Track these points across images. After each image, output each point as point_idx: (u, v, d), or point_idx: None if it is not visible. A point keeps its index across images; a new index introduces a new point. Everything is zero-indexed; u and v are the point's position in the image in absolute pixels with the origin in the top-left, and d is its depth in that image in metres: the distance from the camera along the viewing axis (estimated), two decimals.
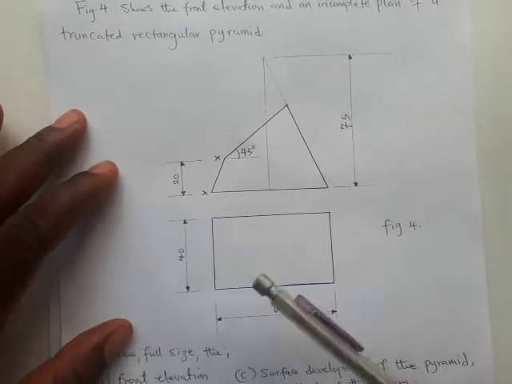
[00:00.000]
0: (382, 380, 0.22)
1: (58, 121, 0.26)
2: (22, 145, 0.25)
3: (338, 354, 0.22)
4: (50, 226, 0.23)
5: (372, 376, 0.22)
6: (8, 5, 0.27)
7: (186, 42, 0.27)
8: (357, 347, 0.22)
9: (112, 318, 0.26)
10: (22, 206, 0.24)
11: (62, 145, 0.25)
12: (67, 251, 0.26)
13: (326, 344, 0.22)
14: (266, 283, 0.22)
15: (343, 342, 0.22)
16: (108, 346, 0.25)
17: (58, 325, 0.26)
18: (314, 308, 0.22)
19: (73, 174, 0.26)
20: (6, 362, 0.25)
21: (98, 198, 0.26)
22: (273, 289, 0.22)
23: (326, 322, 0.22)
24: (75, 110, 0.26)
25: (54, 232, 0.23)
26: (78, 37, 0.27)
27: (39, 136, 0.25)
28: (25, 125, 0.27)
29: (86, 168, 0.26)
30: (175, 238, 0.27)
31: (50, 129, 0.25)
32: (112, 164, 0.26)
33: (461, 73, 0.27)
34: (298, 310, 0.22)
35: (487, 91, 0.28)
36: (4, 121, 0.26)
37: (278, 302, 0.22)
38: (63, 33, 0.27)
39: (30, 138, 0.25)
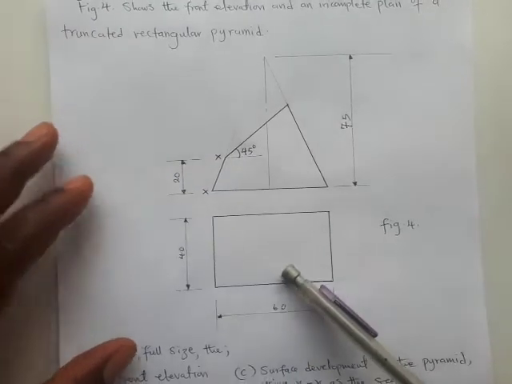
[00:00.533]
0: (393, 363, 0.24)
1: (27, 134, 0.25)
2: None
3: (354, 337, 0.25)
4: (19, 249, 0.22)
5: (384, 359, 0.24)
6: (10, 2, 0.27)
7: (188, 41, 0.27)
8: (371, 333, 0.25)
9: (111, 316, 0.26)
10: None
11: (30, 160, 0.24)
12: (65, 250, 0.26)
13: (344, 328, 0.25)
14: (293, 273, 0.26)
15: (360, 327, 0.25)
16: (108, 370, 0.24)
17: (56, 326, 0.26)
18: (334, 296, 0.26)
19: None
20: (5, 368, 0.25)
21: (71, 214, 0.25)
22: (299, 278, 0.26)
23: (345, 309, 0.25)
24: (45, 123, 0.25)
25: (24, 254, 0.23)
26: (79, 35, 0.27)
27: (4, 152, 0.23)
28: (25, 122, 0.27)
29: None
30: (176, 236, 0.27)
31: (16, 144, 0.24)
32: (86, 178, 0.26)
33: (461, 74, 0.28)
34: (320, 296, 0.25)
35: (487, 92, 0.28)
36: (3, 117, 0.27)
37: (303, 290, 0.26)
38: (65, 30, 0.27)
39: None
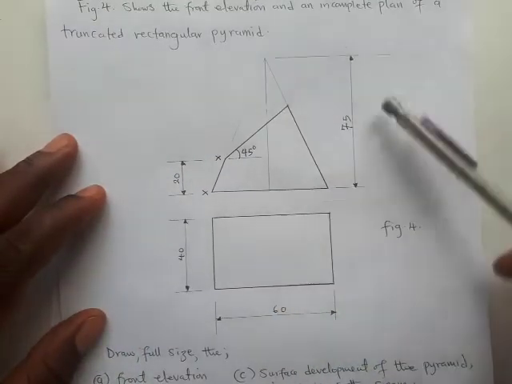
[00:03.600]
0: (492, 190, 0.24)
1: (48, 145, 0.26)
2: (11, 169, 0.24)
3: (455, 168, 0.24)
4: (32, 250, 0.23)
5: (482, 187, 0.24)
6: (10, 1, 0.27)
7: (188, 41, 0.27)
8: (472, 163, 0.25)
9: (112, 316, 0.26)
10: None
11: (51, 169, 0.25)
12: (66, 251, 0.26)
13: (444, 158, 0.25)
14: (395, 103, 0.25)
15: (460, 158, 0.24)
16: (79, 337, 0.25)
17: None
18: (436, 128, 0.25)
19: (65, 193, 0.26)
20: (8, 363, 0.25)
21: (83, 221, 0.26)
22: (400, 110, 0.25)
23: (448, 141, 0.24)
24: (65, 134, 0.26)
25: (36, 255, 0.23)
26: (79, 35, 0.27)
27: (28, 161, 0.25)
28: (26, 121, 0.27)
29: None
30: (175, 237, 0.27)
31: (39, 153, 0.25)
32: (99, 187, 0.26)
33: (462, 75, 0.27)
34: (421, 128, 0.25)
35: (487, 95, 0.28)
36: (4, 116, 0.27)
37: (404, 121, 0.25)
38: (64, 30, 0.27)
39: (19, 163, 0.25)
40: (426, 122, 0.25)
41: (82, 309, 0.26)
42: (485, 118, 0.28)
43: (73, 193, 0.26)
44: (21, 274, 0.23)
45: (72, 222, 0.25)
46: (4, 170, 0.25)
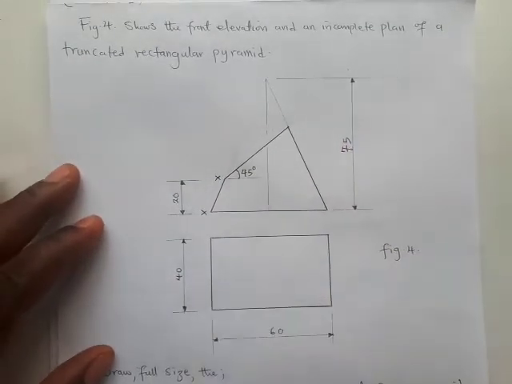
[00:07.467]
0: None
1: (50, 175, 0.26)
2: (12, 200, 0.24)
3: None
4: (28, 283, 0.22)
5: None
6: (13, 17, 0.27)
7: (189, 61, 0.27)
8: None
9: (109, 335, 0.26)
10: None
11: (53, 199, 0.25)
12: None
13: None
14: None
15: None
16: (88, 376, 0.25)
17: (56, 345, 0.26)
18: None
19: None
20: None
21: (80, 253, 0.25)
22: None
23: None
24: (68, 164, 0.26)
25: (32, 289, 0.23)
26: (80, 52, 0.27)
27: (30, 191, 0.24)
28: (25, 136, 0.27)
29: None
30: (173, 257, 0.27)
31: (41, 183, 0.25)
32: (97, 218, 0.26)
33: (463, 99, 0.27)
34: None
35: (489, 118, 0.28)
36: (4, 131, 0.27)
37: None
38: (65, 48, 0.27)
39: (20, 193, 0.24)
40: None
41: (80, 328, 0.26)
42: (486, 141, 0.28)
43: (71, 217, 0.26)
44: (16, 307, 0.23)
45: (69, 255, 0.24)
46: (4, 197, 0.25)
